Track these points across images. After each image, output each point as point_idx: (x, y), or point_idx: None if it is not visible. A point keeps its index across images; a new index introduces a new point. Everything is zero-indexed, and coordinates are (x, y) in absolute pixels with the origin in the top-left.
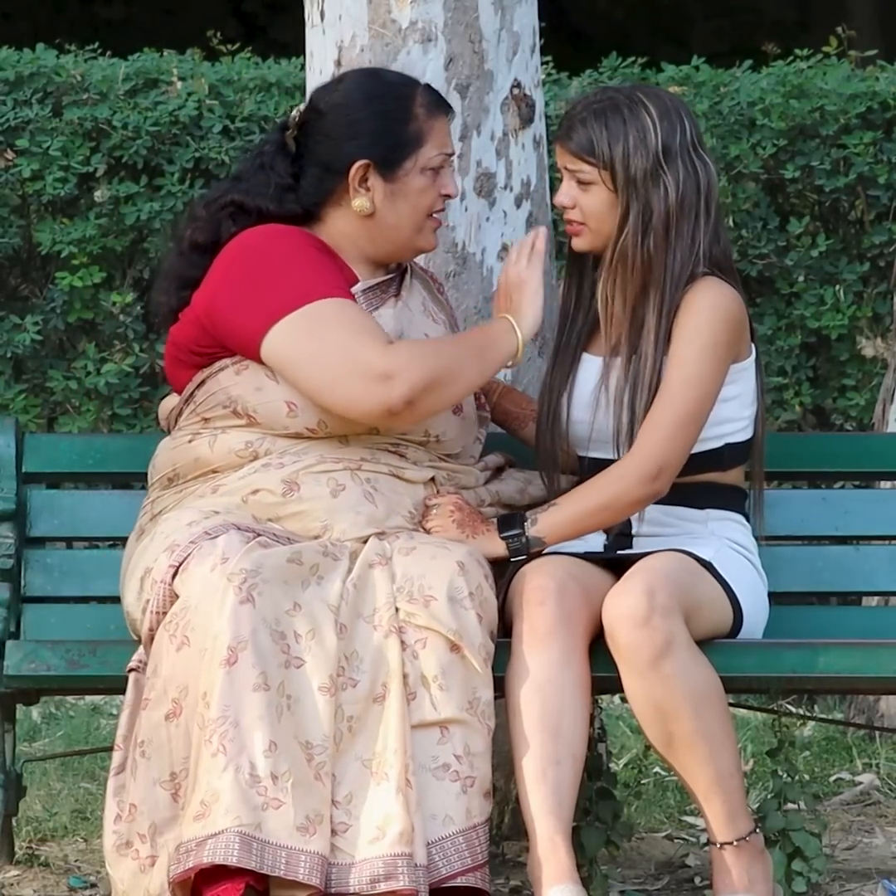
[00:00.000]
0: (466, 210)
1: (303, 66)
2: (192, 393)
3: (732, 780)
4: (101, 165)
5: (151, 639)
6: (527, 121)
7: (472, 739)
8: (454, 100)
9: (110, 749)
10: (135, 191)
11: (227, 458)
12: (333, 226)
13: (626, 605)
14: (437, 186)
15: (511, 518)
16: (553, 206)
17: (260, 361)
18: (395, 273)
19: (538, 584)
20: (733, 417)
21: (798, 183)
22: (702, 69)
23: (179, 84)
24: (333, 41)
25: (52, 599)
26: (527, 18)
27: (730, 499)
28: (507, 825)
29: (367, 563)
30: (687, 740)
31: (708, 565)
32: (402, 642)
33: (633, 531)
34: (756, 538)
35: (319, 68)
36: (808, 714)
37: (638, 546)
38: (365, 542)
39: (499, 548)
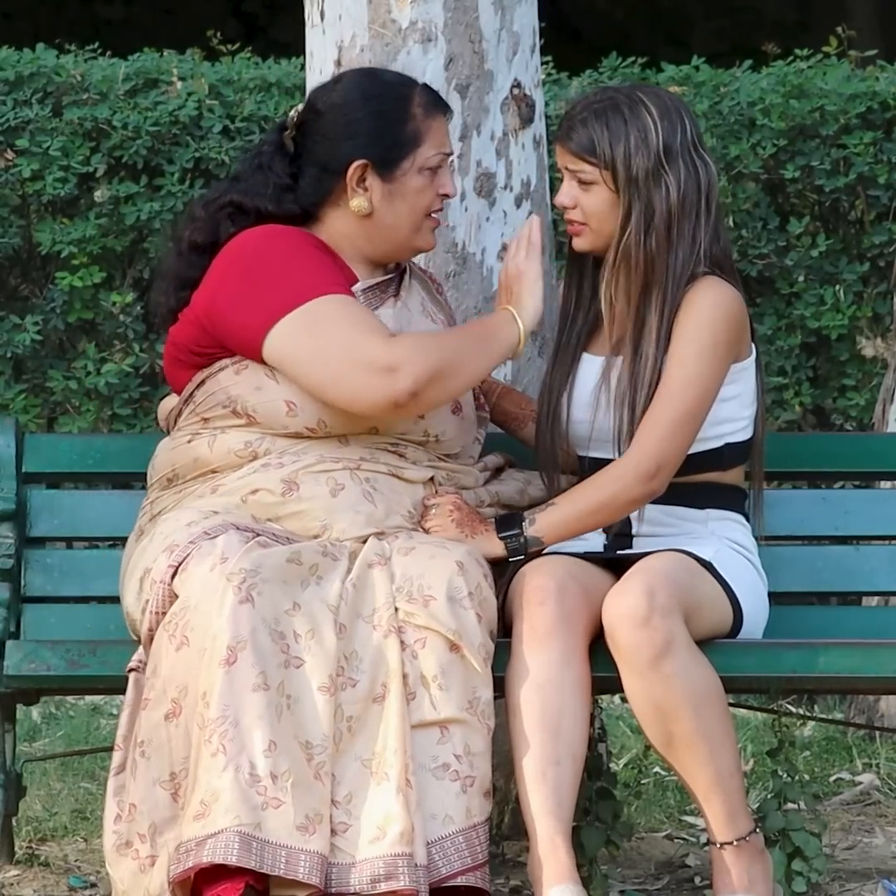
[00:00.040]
0: (466, 210)
1: (303, 66)
2: (192, 393)
3: (732, 780)
4: (101, 165)
5: (151, 639)
6: (527, 121)
7: (471, 739)
8: (454, 100)
9: (110, 749)
10: (135, 191)
11: (227, 458)
12: (332, 226)
13: (625, 605)
14: (435, 186)
15: (509, 518)
16: (553, 206)
17: (262, 361)
18: (394, 273)
19: (538, 584)
20: (733, 417)
21: (798, 183)
22: (702, 69)
23: (179, 84)
24: (333, 41)
25: (52, 599)
26: (527, 18)
27: (730, 499)
28: (507, 825)
29: (366, 562)
30: (687, 740)
31: (708, 565)
32: (402, 642)
33: (633, 531)
34: (756, 538)
35: (319, 68)
36: (808, 714)
37: (638, 546)
38: (364, 541)
39: (497, 548)
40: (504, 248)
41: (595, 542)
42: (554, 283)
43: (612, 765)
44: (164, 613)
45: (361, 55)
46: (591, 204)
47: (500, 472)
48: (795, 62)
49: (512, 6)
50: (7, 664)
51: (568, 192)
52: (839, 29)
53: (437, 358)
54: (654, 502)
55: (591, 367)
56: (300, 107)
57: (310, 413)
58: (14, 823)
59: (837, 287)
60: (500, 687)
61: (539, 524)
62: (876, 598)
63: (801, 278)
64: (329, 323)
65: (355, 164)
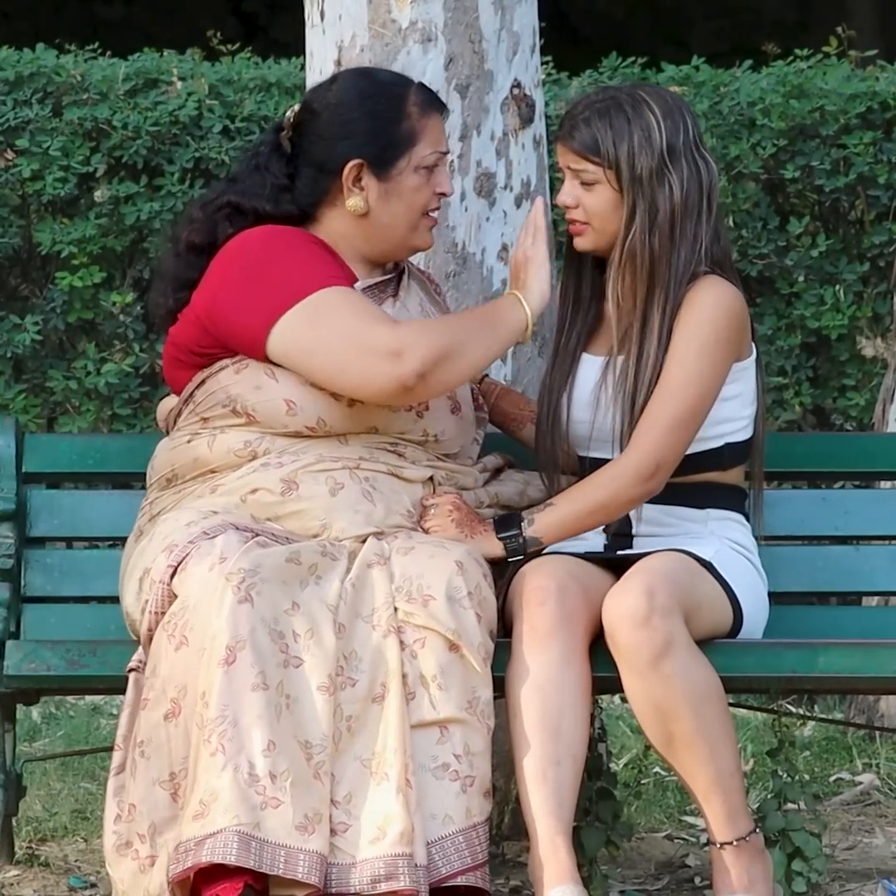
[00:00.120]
0: (466, 210)
1: (303, 66)
2: (192, 393)
3: (732, 780)
4: (101, 165)
5: (150, 639)
6: (527, 121)
7: (471, 739)
8: (454, 100)
9: (110, 749)
10: (135, 191)
11: (226, 457)
12: (329, 226)
13: (625, 605)
14: (431, 185)
15: (508, 518)
16: (554, 206)
17: (266, 359)
18: (393, 274)
19: (538, 585)
20: (733, 417)
21: (798, 183)
22: (702, 69)
23: (179, 84)
24: (333, 41)
25: (52, 599)
26: (527, 18)
27: (730, 498)
28: (507, 825)
29: (365, 562)
30: (687, 740)
31: (708, 565)
32: (401, 642)
33: (633, 531)
34: (756, 538)
35: (319, 68)
36: (808, 714)
37: (638, 546)
38: (363, 541)
39: (496, 548)
40: (504, 248)
41: (595, 542)
42: (553, 283)
43: (612, 765)
44: (163, 613)
45: (361, 55)
46: (594, 203)
47: (499, 472)
48: (795, 62)
49: (512, 6)
50: (7, 664)
51: (570, 192)
52: (839, 29)
53: (443, 339)
54: (653, 502)
55: (590, 367)
56: (296, 107)
57: (309, 412)
58: (14, 823)
59: (837, 287)
60: (500, 687)
61: (538, 524)
62: (876, 598)
63: (801, 278)
64: (332, 314)
65: (351, 163)
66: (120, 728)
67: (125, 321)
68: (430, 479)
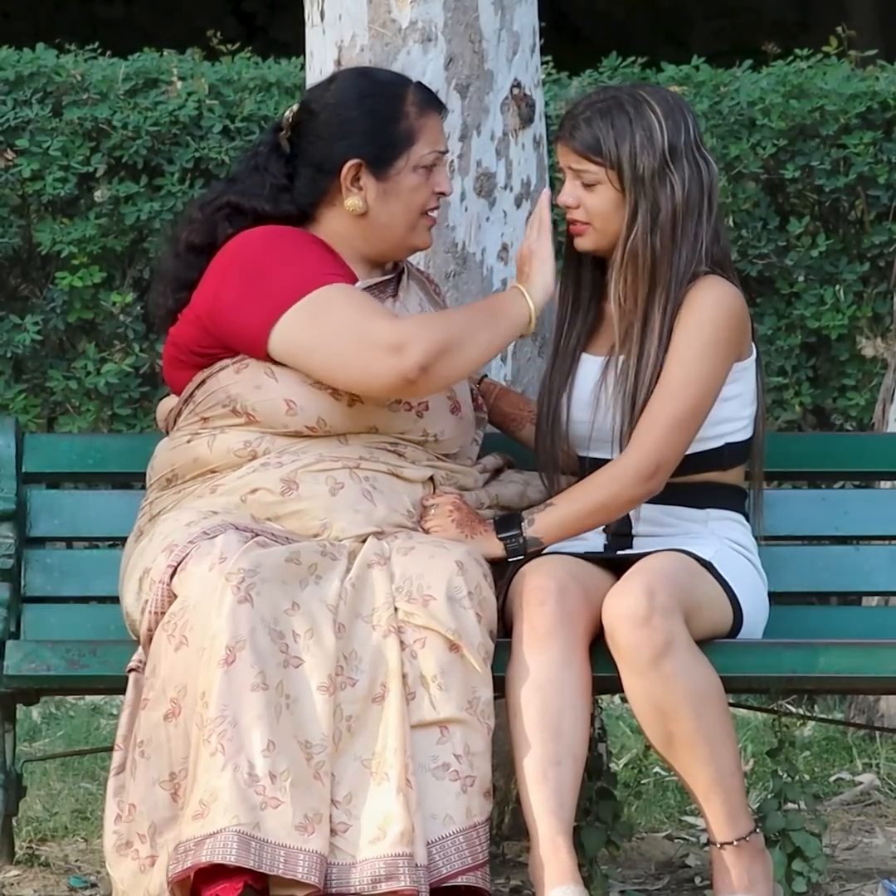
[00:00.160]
0: (466, 210)
1: (303, 66)
2: (192, 393)
3: (732, 780)
4: (101, 165)
5: (150, 639)
6: (527, 121)
7: (471, 739)
8: (454, 100)
9: (110, 749)
10: (135, 191)
11: (226, 457)
12: (328, 226)
13: (626, 605)
14: (430, 184)
15: (509, 519)
16: (554, 206)
17: (268, 358)
18: (393, 274)
19: (538, 585)
20: (733, 417)
21: (798, 183)
22: (702, 69)
23: (179, 84)
24: (333, 41)
25: (52, 599)
26: (527, 18)
27: (730, 498)
28: (507, 825)
29: (365, 562)
30: (687, 740)
31: (708, 565)
32: (401, 642)
33: (633, 531)
34: (756, 538)
35: (319, 68)
36: (808, 714)
37: (638, 546)
38: (364, 541)
39: (496, 548)
40: (504, 248)
41: (595, 542)
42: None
43: (612, 765)
44: (163, 613)
45: (361, 55)
46: (596, 203)
47: (498, 473)
48: (795, 62)
49: (512, 6)
50: (7, 664)
51: (571, 192)
52: (839, 29)
53: (445, 332)
54: (653, 502)
55: (590, 367)
56: (295, 107)
57: (309, 412)
58: (14, 823)
59: (837, 287)
60: (500, 687)
61: (538, 524)
62: (876, 598)
63: (801, 278)
64: (333, 310)
65: (349, 163)
66: (120, 728)
67: (125, 321)
68: (431, 479)
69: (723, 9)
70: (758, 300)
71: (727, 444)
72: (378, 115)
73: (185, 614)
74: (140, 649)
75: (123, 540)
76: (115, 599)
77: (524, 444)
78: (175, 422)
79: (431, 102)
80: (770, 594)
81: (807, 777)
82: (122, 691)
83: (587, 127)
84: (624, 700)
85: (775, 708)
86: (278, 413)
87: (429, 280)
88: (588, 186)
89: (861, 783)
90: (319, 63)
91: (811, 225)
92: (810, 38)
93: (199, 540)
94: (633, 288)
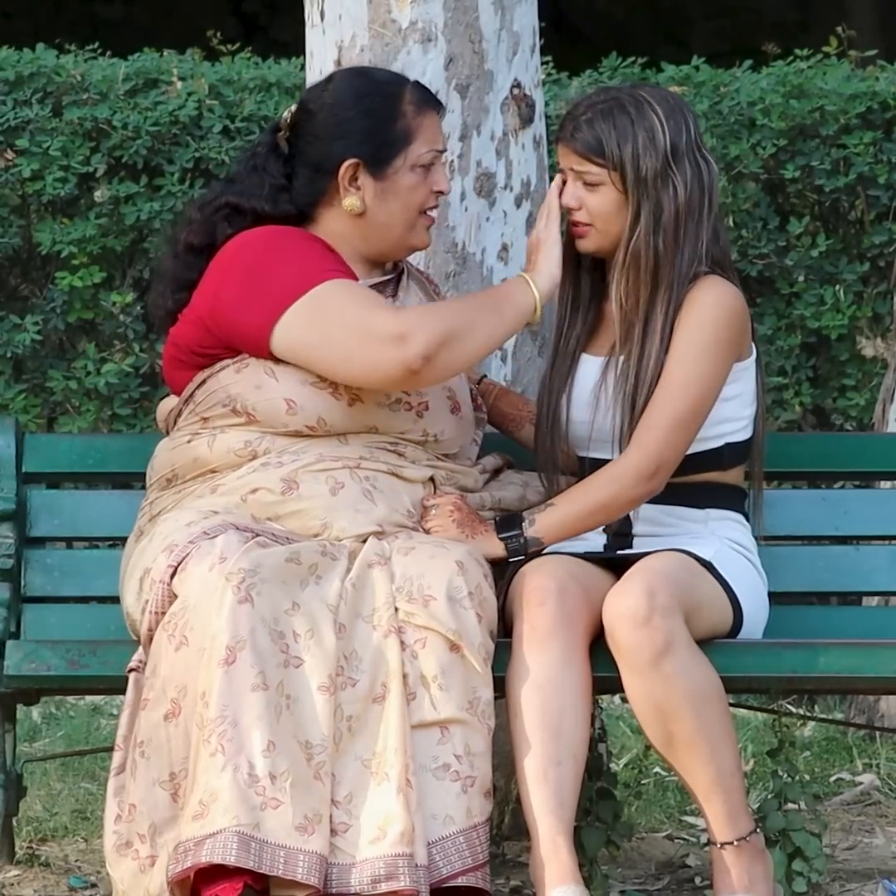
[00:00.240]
0: (466, 210)
1: (303, 66)
2: (192, 393)
3: (733, 780)
4: (101, 165)
5: (151, 639)
6: (527, 121)
7: (472, 739)
8: (454, 100)
9: (110, 749)
10: (135, 191)
11: (226, 457)
12: (327, 226)
13: (626, 604)
14: (428, 183)
15: (509, 519)
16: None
17: (271, 356)
18: (392, 274)
19: (538, 585)
20: (733, 417)
21: (798, 183)
22: (702, 69)
23: (179, 84)
24: (333, 41)
25: (52, 599)
26: (527, 18)
27: (730, 498)
28: (507, 825)
29: (365, 562)
30: (687, 740)
31: (708, 565)
32: (402, 642)
33: (633, 531)
34: (756, 538)
35: (319, 68)
36: (808, 714)
37: (638, 546)
38: (364, 541)
39: (497, 548)
40: (504, 248)
41: (595, 542)
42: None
43: (612, 765)
44: (163, 613)
45: (361, 55)
46: (598, 205)
47: (498, 473)
48: (795, 62)
49: (512, 6)
50: (7, 664)
51: (573, 194)
52: (839, 29)
53: (448, 321)
54: (653, 502)
55: (590, 367)
56: (293, 107)
57: (309, 411)
58: (14, 823)
59: (837, 287)
60: (501, 687)
61: (539, 525)
62: (876, 598)
63: (801, 278)
64: (334, 305)
65: (347, 163)
66: (120, 728)
67: (125, 321)
68: (431, 479)
69: (723, 9)
70: (758, 300)
71: (727, 444)
72: (375, 115)
73: (186, 614)
74: (140, 649)
75: (123, 540)
76: (115, 599)
77: (523, 445)
78: (175, 422)
79: (429, 101)
80: (770, 594)
81: (807, 777)
82: (122, 691)
83: (589, 128)
84: (624, 700)
85: (775, 708)
86: (278, 412)
87: (428, 280)
88: (590, 188)
89: (861, 783)
90: (319, 63)
91: (811, 225)
92: (810, 39)
93: (199, 540)
94: (635, 289)
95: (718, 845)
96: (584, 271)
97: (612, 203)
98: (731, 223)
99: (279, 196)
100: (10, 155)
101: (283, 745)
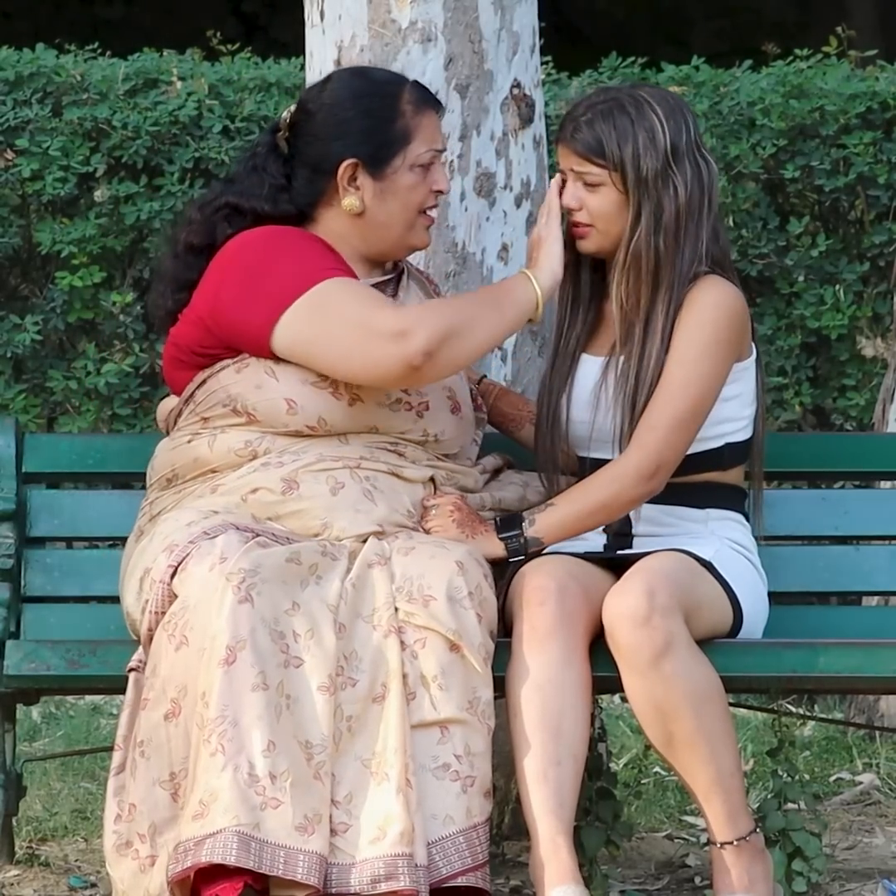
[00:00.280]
0: (466, 210)
1: (303, 66)
2: (193, 393)
3: (733, 780)
4: (101, 165)
5: (151, 639)
6: (527, 121)
7: (472, 739)
8: (454, 100)
9: (110, 749)
10: (135, 191)
11: (227, 457)
12: (326, 226)
13: (626, 604)
14: (427, 183)
15: (509, 519)
16: None
17: (271, 356)
18: (392, 274)
19: (538, 585)
20: (733, 417)
21: (798, 183)
22: (702, 69)
23: (179, 84)
24: (333, 41)
25: (52, 599)
26: (527, 18)
27: (730, 498)
28: (507, 825)
29: (366, 562)
30: (687, 740)
31: (708, 565)
32: (402, 642)
33: (633, 531)
34: (756, 538)
35: (319, 68)
36: (808, 714)
37: (638, 546)
38: (364, 541)
39: (497, 548)
40: (504, 248)
41: (595, 542)
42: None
43: (612, 765)
44: (163, 613)
45: (361, 55)
46: (599, 205)
47: (498, 473)
48: (795, 62)
49: (512, 6)
50: (7, 664)
51: (573, 194)
52: (839, 29)
53: (449, 317)
54: (653, 501)
55: (590, 367)
56: (292, 108)
57: (310, 411)
58: (14, 823)
59: (837, 287)
60: (501, 687)
61: (539, 525)
62: (876, 598)
63: (801, 278)
64: (334, 303)
65: (346, 163)
66: (120, 728)
67: (125, 321)
68: (431, 479)
69: (723, 9)
70: (758, 300)
71: (727, 444)
72: (374, 115)
73: (186, 614)
74: (140, 649)
75: (123, 540)
76: (115, 599)
77: (523, 445)
78: (175, 422)
79: (428, 101)
80: (770, 594)
81: (807, 777)
82: (122, 691)
83: (589, 129)
84: (624, 700)
85: (775, 708)
86: (279, 412)
87: (428, 280)
88: (590, 188)
89: (861, 783)
90: (319, 63)
91: (811, 225)
92: (810, 38)
93: (199, 540)
94: (636, 289)
95: (718, 845)
96: (585, 271)
97: (613, 203)
98: (731, 223)
99: (279, 196)
100: (10, 155)
101: (283, 745)
